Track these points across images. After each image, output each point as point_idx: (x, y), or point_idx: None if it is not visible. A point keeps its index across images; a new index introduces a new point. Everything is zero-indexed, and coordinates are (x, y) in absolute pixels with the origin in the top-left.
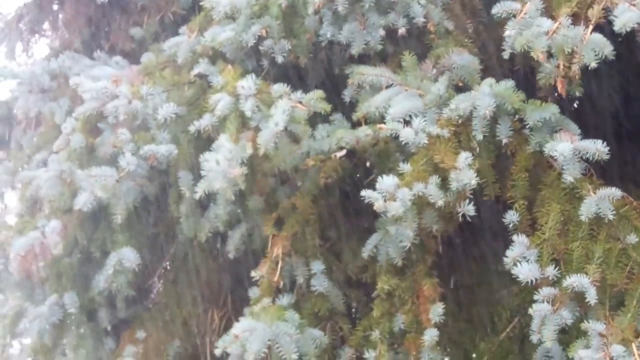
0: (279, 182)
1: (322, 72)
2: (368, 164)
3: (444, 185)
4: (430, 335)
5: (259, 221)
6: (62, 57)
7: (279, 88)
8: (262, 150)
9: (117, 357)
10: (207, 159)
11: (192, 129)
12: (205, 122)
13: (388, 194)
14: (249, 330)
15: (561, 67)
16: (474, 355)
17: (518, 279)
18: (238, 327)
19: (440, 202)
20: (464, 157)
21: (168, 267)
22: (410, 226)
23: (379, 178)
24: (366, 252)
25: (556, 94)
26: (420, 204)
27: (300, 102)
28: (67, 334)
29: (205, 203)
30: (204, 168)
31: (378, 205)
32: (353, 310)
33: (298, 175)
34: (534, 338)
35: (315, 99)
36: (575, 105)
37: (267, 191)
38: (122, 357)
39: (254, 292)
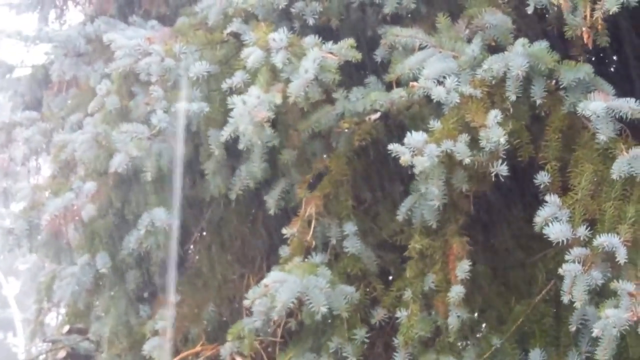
0: (312, 137)
1: (354, 34)
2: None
3: (475, 144)
4: (456, 292)
5: (295, 177)
6: (98, 22)
7: (310, 40)
8: (292, 99)
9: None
10: (234, 102)
11: (224, 86)
12: (237, 79)
13: (416, 149)
14: (280, 282)
15: (587, 17)
16: (508, 318)
17: (553, 242)
18: (269, 278)
19: (467, 160)
20: (494, 114)
21: (203, 233)
22: (437, 184)
23: (408, 134)
24: (401, 214)
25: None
26: (449, 162)
27: (331, 53)
28: (99, 297)
29: (234, 164)
30: (231, 114)
31: (404, 159)
32: (386, 272)
33: (332, 137)
34: (565, 298)
35: (345, 47)
36: (612, 68)
37: (300, 145)
38: (155, 320)
39: (284, 251)
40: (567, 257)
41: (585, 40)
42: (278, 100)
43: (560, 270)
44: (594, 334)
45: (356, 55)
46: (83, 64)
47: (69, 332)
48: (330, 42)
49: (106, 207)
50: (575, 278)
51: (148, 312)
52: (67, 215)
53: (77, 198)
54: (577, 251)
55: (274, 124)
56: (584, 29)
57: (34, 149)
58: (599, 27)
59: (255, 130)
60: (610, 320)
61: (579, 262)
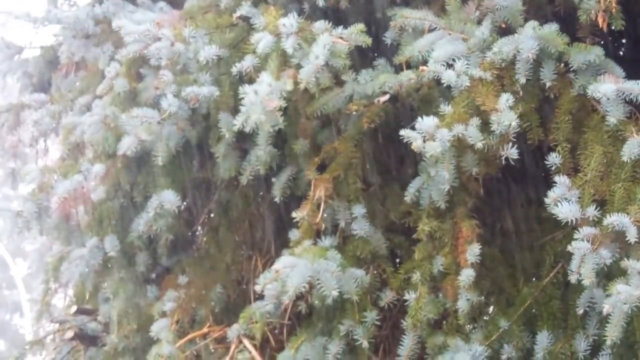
0: (322, 125)
1: (363, 16)
2: (411, 109)
3: (485, 127)
4: (467, 275)
5: (304, 165)
6: (106, 3)
7: (320, 25)
8: (302, 85)
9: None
10: (246, 91)
11: (234, 70)
12: (247, 63)
13: (427, 134)
14: (290, 266)
15: (602, 1)
16: (516, 300)
17: (562, 225)
18: (279, 263)
19: (479, 144)
20: (505, 98)
21: (211, 214)
22: (447, 168)
23: (419, 118)
24: (409, 195)
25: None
26: (460, 146)
27: (341, 38)
28: (107, 279)
29: (244, 147)
30: (243, 102)
31: (416, 145)
32: (396, 255)
33: (341, 119)
34: (572, 278)
35: (355, 32)
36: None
37: (311, 134)
38: (163, 301)
39: (294, 234)
40: (576, 236)
41: (600, 24)
42: (289, 86)
43: (569, 248)
44: (604, 310)
45: (366, 40)
46: (92, 45)
47: (77, 312)
48: (341, 27)
49: (115, 190)
50: (584, 257)
51: (156, 294)
52: (76, 197)
53: (85, 180)
54: (586, 230)
55: (284, 110)
56: (598, 12)
57: (42, 131)
58: (613, 10)
59: (267, 119)
60: (621, 296)
61: (587, 241)
